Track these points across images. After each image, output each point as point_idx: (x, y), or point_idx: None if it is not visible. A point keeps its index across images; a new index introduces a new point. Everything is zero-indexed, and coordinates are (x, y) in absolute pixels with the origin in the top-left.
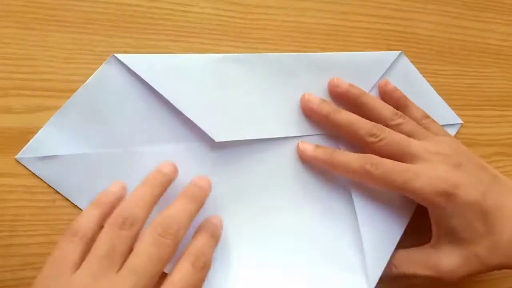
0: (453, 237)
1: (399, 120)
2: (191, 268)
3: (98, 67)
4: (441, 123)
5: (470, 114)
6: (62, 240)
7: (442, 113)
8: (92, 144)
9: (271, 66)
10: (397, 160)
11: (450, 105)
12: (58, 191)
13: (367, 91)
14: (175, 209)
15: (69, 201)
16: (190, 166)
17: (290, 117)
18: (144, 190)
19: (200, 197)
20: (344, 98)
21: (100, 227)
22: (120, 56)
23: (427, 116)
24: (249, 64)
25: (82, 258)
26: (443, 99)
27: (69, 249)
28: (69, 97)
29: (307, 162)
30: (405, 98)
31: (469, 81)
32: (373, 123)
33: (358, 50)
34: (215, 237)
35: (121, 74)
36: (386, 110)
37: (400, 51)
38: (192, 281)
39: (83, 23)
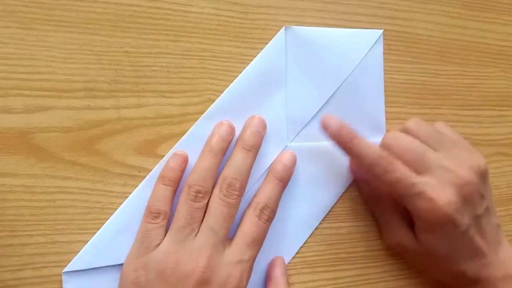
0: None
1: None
2: (257, 220)
3: (98, 67)
4: (367, 129)
5: (470, 114)
6: (145, 222)
7: (375, 117)
8: None
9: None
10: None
11: (450, 105)
12: None
13: (350, 71)
14: (235, 165)
15: (69, 200)
16: None
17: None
18: (209, 160)
19: (256, 145)
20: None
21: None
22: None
23: None
24: None
25: (164, 233)
26: (443, 99)
27: (153, 230)
28: (69, 97)
29: (327, 137)
30: None
31: (469, 81)
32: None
33: None
34: (284, 181)
35: None
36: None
37: (382, 30)
38: (260, 230)
39: (83, 23)
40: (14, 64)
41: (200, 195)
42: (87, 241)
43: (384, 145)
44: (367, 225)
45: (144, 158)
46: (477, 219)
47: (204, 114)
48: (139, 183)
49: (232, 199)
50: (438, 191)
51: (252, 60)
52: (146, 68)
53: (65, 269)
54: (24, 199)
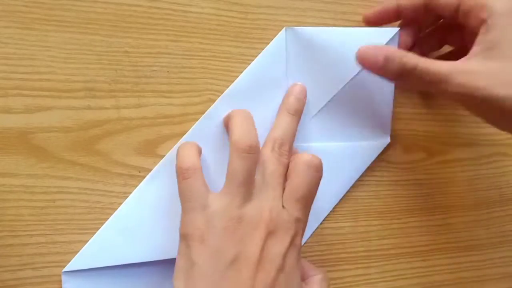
0: (492, 51)
1: None
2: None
3: (98, 67)
4: (371, 129)
5: (471, 114)
6: (182, 180)
7: (381, 118)
8: None
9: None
10: None
11: (451, 105)
12: None
13: (354, 72)
14: (283, 127)
15: (69, 200)
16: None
17: None
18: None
19: (299, 110)
20: None
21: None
22: None
23: None
24: None
25: (206, 186)
26: (444, 99)
27: (194, 185)
28: (69, 97)
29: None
30: None
31: None
32: None
33: None
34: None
35: None
36: None
37: (398, 28)
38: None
39: (83, 23)
40: (14, 64)
41: (252, 150)
42: (87, 241)
43: None
44: (367, 225)
45: (144, 158)
46: None
47: (204, 114)
48: (139, 183)
49: (285, 159)
50: None
51: (252, 60)
52: (146, 68)
53: (65, 269)
54: (24, 199)
